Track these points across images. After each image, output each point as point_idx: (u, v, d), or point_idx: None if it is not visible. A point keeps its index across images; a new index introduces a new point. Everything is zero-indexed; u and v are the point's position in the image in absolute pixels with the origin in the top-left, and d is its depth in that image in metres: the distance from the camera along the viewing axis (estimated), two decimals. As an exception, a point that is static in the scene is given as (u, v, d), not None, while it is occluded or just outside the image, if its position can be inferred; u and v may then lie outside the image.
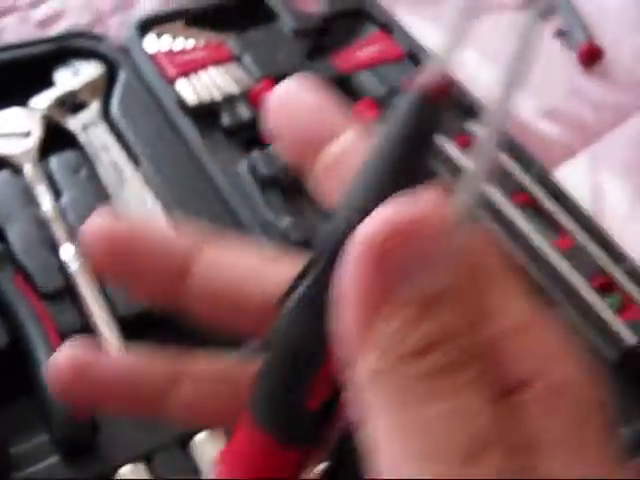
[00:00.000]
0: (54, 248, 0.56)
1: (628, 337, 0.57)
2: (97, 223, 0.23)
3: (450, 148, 0.65)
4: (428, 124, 0.19)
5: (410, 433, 0.16)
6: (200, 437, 0.48)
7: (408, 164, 0.19)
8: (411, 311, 0.17)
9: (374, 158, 0.19)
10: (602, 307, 0.58)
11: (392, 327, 0.16)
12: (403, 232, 0.16)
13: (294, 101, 0.23)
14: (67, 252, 0.56)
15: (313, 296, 0.20)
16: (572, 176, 0.76)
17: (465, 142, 0.67)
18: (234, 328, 0.25)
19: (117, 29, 0.74)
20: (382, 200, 0.17)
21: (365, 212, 0.17)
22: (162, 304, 0.25)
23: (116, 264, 0.24)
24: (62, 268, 0.55)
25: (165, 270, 0.24)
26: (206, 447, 0.48)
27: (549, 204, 0.64)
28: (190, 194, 0.62)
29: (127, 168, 0.62)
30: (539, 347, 0.19)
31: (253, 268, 0.24)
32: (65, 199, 0.60)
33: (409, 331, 0.17)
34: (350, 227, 0.17)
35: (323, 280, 0.19)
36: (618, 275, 0.61)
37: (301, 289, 0.20)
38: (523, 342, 0.19)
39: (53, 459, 0.48)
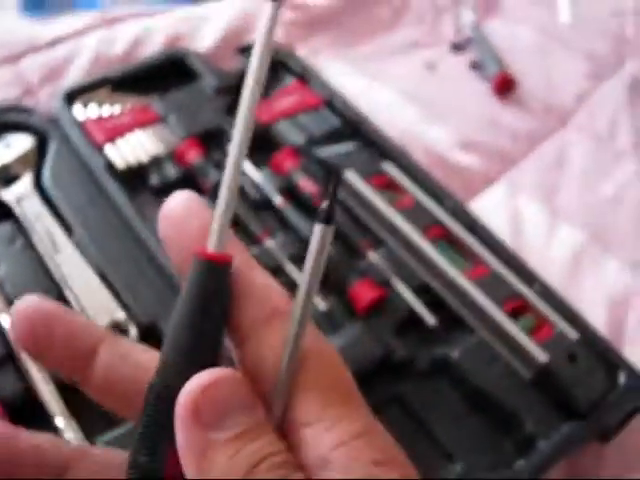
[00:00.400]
0: (-8, 319, 0.59)
1: (540, 356, 0.60)
2: (20, 308, 0.27)
3: (365, 189, 0.69)
4: (213, 286, 0.24)
5: None
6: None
7: (201, 321, 0.24)
8: (230, 447, 0.22)
9: (176, 320, 0.25)
10: (515, 330, 0.62)
11: (220, 462, 0.22)
12: (206, 396, 0.22)
13: (182, 217, 0.27)
14: (6, 321, 0.59)
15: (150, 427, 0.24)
16: (491, 203, 0.80)
17: (380, 182, 0.71)
18: (128, 414, 0.28)
19: (46, 100, 0.78)
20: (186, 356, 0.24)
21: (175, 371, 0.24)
22: (71, 383, 0.28)
23: (33, 344, 0.27)
24: (2, 336, 0.58)
25: (72, 355, 0.27)
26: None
27: (463, 235, 0.68)
28: (122, 256, 0.65)
29: (60, 236, 0.65)
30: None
31: (149, 360, 0.27)
32: (2, 271, 0.63)
33: (234, 460, 0.22)
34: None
35: (155, 418, 0.24)
36: (531, 297, 0.65)
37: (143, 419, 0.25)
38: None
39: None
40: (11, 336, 0.27)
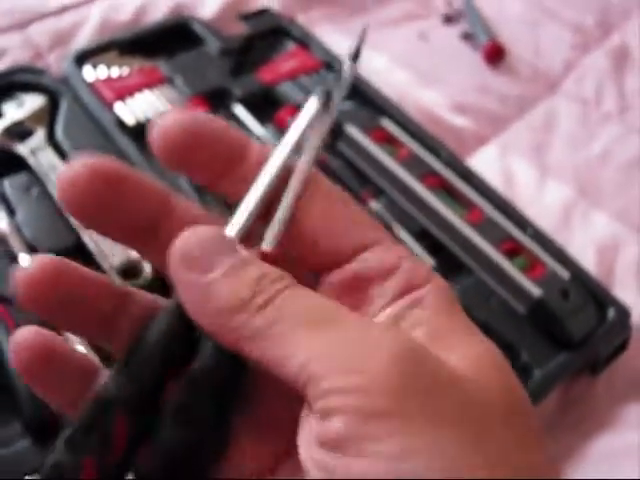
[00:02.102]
0: (13, 258, 0.62)
1: (534, 291, 0.64)
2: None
3: (365, 141, 0.72)
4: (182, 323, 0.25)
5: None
6: None
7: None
8: (228, 279, 0.24)
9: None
10: (510, 268, 0.65)
11: (224, 294, 0.24)
12: (194, 244, 0.24)
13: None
14: (24, 261, 0.61)
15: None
16: (484, 161, 0.83)
17: (378, 136, 0.74)
18: None
19: (56, 63, 0.81)
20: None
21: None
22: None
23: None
24: (22, 276, 0.61)
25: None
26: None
27: (458, 184, 0.72)
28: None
29: (75, 185, 0.68)
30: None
31: None
32: (19, 216, 0.65)
33: (236, 288, 0.24)
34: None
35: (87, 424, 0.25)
36: (524, 240, 0.68)
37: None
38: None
39: (24, 443, 0.53)
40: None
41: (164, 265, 0.25)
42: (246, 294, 0.23)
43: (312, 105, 0.28)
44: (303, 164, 0.26)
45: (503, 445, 0.21)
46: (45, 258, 0.26)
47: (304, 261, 0.26)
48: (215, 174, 0.26)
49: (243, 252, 0.24)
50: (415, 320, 0.24)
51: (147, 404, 0.25)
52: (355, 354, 0.22)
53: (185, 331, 0.25)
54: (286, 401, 0.24)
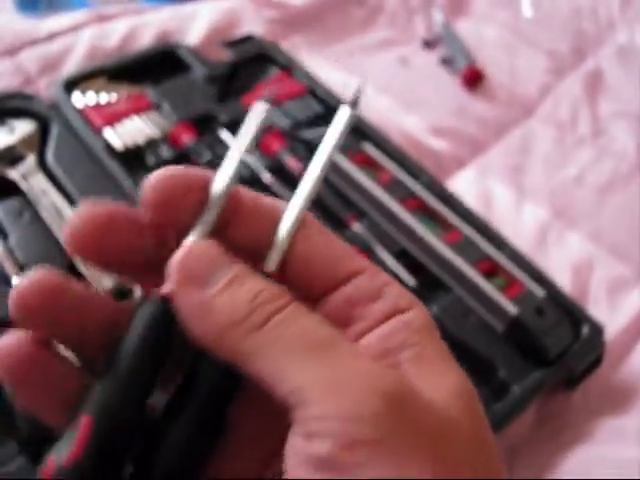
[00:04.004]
0: (6, 281, 0.63)
1: (511, 309, 0.66)
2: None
3: (348, 165, 0.75)
4: (166, 321, 0.26)
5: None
6: None
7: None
8: (226, 293, 0.25)
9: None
10: (488, 286, 0.68)
11: (222, 309, 0.25)
12: (191, 260, 0.26)
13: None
14: (17, 280, 0.63)
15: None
16: (463, 184, 0.86)
17: (360, 160, 0.77)
18: None
19: (45, 89, 0.82)
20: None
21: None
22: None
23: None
24: (15, 298, 0.62)
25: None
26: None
27: (438, 206, 0.74)
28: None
29: (66, 209, 0.70)
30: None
31: None
32: (12, 240, 0.67)
33: (234, 301, 0.25)
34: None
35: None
36: (501, 259, 0.71)
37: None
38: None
39: (20, 462, 0.55)
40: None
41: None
42: (244, 311, 0.24)
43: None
44: (304, 192, 0.28)
45: (474, 473, 0.23)
46: (39, 274, 0.26)
47: (299, 285, 0.27)
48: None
49: (240, 266, 0.25)
50: (403, 341, 0.26)
51: (132, 404, 0.26)
52: (346, 383, 0.23)
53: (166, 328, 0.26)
54: (274, 412, 0.25)
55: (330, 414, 0.22)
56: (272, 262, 0.27)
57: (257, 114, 0.29)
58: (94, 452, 0.25)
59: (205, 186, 0.27)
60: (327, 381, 0.23)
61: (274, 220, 0.28)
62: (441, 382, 0.25)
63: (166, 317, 0.26)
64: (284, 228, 0.27)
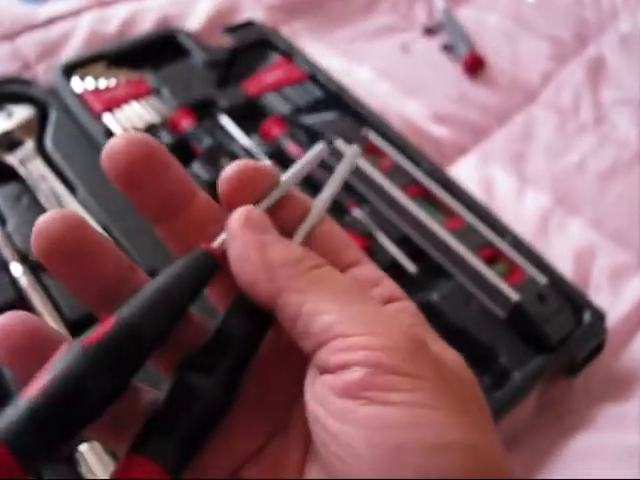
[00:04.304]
0: (5, 267, 0.63)
1: (513, 296, 0.66)
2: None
3: (349, 151, 0.74)
4: (206, 267, 0.29)
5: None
6: (82, 449, 0.52)
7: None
8: (281, 241, 0.28)
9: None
10: (489, 273, 0.67)
11: (279, 251, 0.28)
12: (253, 210, 0.29)
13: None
14: (16, 270, 0.63)
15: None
16: (464, 171, 0.86)
17: (362, 147, 0.76)
18: None
19: (44, 74, 0.82)
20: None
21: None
22: None
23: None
24: (13, 283, 0.62)
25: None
26: (89, 459, 0.52)
27: (439, 192, 0.74)
28: (123, 212, 0.69)
29: (64, 194, 0.69)
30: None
31: None
32: (10, 225, 0.67)
33: (290, 248, 0.28)
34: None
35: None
36: (503, 246, 0.70)
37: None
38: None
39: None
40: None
41: (179, 248, 0.29)
42: (297, 255, 0.27)
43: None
44: (324, 197, 0.31)
45: (480, 416, 0.26)
46: (62, 211, 0.27)
47: None
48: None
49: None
50: (404, 321, 0.29)
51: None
52: (377, 322, 0.26)
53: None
54: (280, 383, 0.27)
55: (364, 344, 0.25)
56: (298, 237, 0.30)
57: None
58: (116, 339, 0.26)
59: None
60: (361, 318, 0.26)
61: (300, 210, 0.30)
62: (444, 351, 0.28)
63: (207, 265, 0.28)
64: (311, 216, 0.30)
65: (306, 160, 0.32)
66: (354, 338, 0.25)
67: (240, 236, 0.28)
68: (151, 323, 0.27)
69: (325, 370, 0.25)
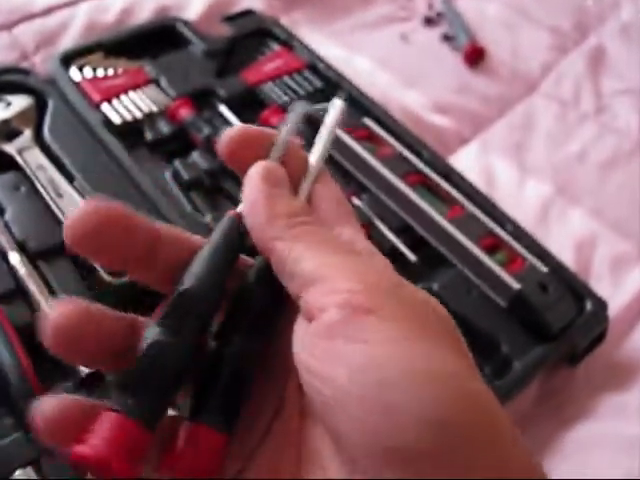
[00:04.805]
0: (3, 256, 0.62)
1: (514, 285, 0.65)
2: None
3: (349, 139, 0.74)
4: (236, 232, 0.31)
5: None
6: None
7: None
8: (289, 196, 0.31)
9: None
10: (490, 262, 0.67)
11: (285, 203, 0.30)
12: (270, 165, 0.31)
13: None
14: (14, 259, 0.62)
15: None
16: (465, 160, 0.85)
17: (361, 135, 0.76)
18: None
19: (41, 64, 0.82)
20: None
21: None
22: None
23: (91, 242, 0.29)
24: (11, 272, 0.62)
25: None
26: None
27: (439, 181, 0.73)
28: (122, 202, 0.69)
29: (62, 183, 0.69)
30: None
31: None
32: (8, 214, 0.66)
33: (295, 202, 0.31)
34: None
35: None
36: (503, 235, 0.70)
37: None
38: None
39: (16, 436, 0.54)
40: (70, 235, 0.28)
41: (162, 285, 0.31)
42: (298, 210, 0.30)
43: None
44: (318, 154, 0.33)
45: (459, 347, 0.27)
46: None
47: None
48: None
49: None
50: None
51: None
52: (357, 269, 0.27)
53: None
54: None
55: (343, 287, 0.26)
56: (302, 194, 0.32)
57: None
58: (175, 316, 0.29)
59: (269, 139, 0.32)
60: (341, 265, 0.28)
61: (302, 166, 0.32)
62: (418, 292, 0.29)
63: (237, 229, 0.31)
64: (312, 170, 0.32)
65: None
66: (335, 281, 0.27)
67: (254, 187, 0.30)
68: (208, 289, 0.30)
69: (309, 315, 0.27)
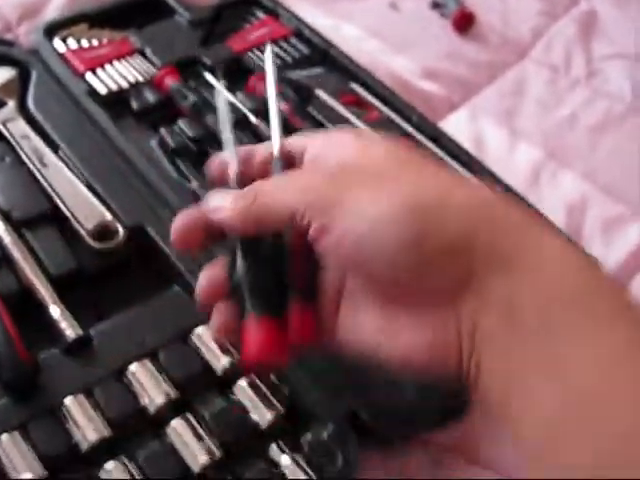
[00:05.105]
0: (-12, 226, 0.62)
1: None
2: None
3: (336, 104, 0.73)
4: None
5: None
6: (199, 330, 0.56)
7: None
8: None
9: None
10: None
11: None
12: None
13: None
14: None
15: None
16: (455, 126, 0.84)
17: (348, 100, 0.75)
18: None
19: (25, 36, 0.81)
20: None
21: None
22: None
23: None
24: (-1, 242, 0.61)
25: None
26: (205, 338, 0.55)
27: (429, 144, 0.73)
28: (107, 170, 0.68)
29: (47, 153, 0.68)
30: None
31: None
32: (-6, 184, 0.66)
33: None
34: None
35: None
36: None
37: None
38: None
39: (3, 402, 0.53)
40: None
41: None
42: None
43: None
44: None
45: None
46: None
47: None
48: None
49: None
50: None
51: None
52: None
53: None
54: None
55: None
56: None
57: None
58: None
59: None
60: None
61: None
62: None
63: None
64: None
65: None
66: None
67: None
68: None
69: None
